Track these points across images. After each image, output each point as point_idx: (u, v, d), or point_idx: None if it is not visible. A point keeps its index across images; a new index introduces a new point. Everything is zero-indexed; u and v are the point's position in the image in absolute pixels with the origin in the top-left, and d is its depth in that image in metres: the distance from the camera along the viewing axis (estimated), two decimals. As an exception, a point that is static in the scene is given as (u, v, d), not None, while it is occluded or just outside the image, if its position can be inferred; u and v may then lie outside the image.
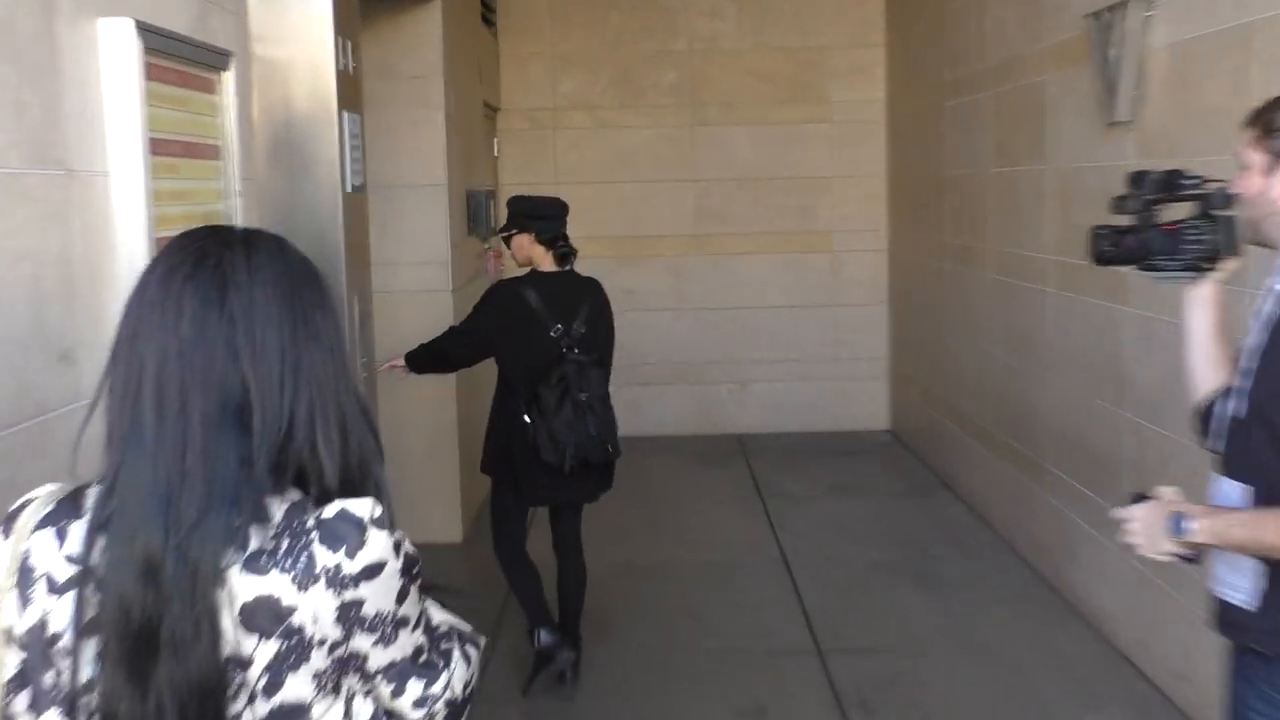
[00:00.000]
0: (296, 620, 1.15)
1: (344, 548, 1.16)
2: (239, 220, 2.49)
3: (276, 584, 1.15)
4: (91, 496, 1.19)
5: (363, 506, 1.17)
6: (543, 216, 3.69)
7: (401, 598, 1.20)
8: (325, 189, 3.46)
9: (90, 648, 1.15)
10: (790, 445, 6.97)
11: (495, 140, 6.88)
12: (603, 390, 3.60)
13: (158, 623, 1.13)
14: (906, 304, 6.79)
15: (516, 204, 3.76)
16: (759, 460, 6.68)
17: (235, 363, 1.16)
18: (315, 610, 1.15)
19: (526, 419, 3.55)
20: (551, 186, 7.01)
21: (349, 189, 3.52)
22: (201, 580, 1.13)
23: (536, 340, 3.59)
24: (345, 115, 3.43)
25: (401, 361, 3.75)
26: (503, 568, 3.78)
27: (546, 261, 3.68)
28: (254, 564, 1.14)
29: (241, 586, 1.14)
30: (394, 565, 1.18)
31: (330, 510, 1.17)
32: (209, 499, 1.14)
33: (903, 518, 5.58)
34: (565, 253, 3.70)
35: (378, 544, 1.17)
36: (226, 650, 1.13)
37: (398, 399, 4.95)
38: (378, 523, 1.18)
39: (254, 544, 1.15)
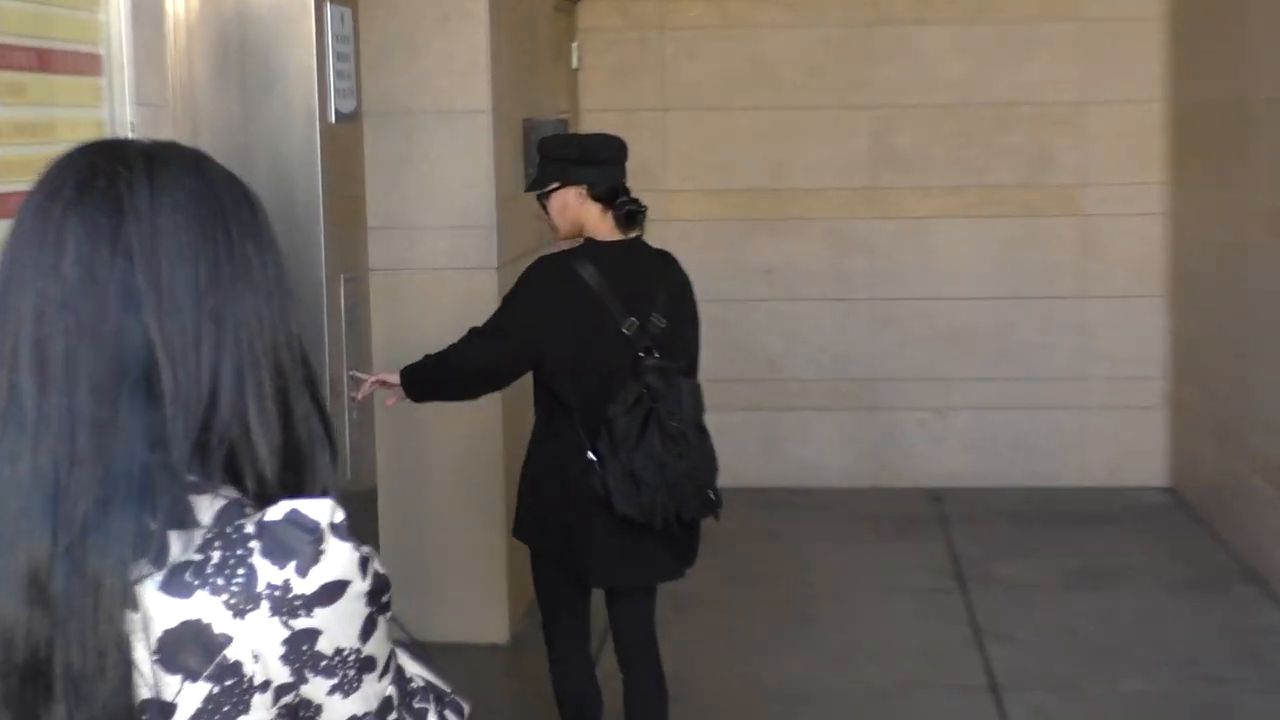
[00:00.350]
0: (232, 655, 1.20)
1: (294, 562, 1.21)
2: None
3: (205, 607, 1.20)
4: None
5: (320, 508, 1.23)
6: (595, 161, 3.71)
7: (367, 632, 1.26)
8: (295, 116, 3.51)
9: None
10: (1010, 506, 6.98)
11: (574, 46, 6.94)
12: (699, 412, 3.67)
13: (48, 655, 1.18)
14: (1196, 297, 6.83)
15: (554, 146, 3.79)
16: (962, 529, 6.70)
17: (135, 312, 1.22)
18: (256, 643, 1.21)
19: (591, 456, 3.58)
20: (655, 115, 7.12)
21: (332, 117, 3.63)
22: (105, 597, 1.18)
23: (601, 340, 3.62)
24: (329, 7, 3.55)
25: (393, 379, 3.75)
26: (555, 690, 3.83)
27: (604, 226, 3.69)
28: (175, 581, 1.20)
29: (159, 610, 1.19)
30: (359, 587, 1.24)
31: (276, 512, 1.23)
32: (108, 491, 1.20)
33: (1183, 625, 5.53)
34: (633, 212, 3.69)
35: (339, 558, 1.23)
36: (143, 692, 1.19)
37: (415, 430, 4.98)
38: (338, 530, 1.24)
39: (175, 554, 1.20)
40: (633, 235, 3.72)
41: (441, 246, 5.02)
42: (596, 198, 3.67)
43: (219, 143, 3.35)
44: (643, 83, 7.13)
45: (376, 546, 1.48)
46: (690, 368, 3.75)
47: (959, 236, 7.14)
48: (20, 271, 1.24)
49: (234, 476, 1.26)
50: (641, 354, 3.60)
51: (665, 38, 7.12)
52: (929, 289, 7.17)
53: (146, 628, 1.20)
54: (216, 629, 1.20)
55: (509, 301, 3.70)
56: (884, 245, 7.19)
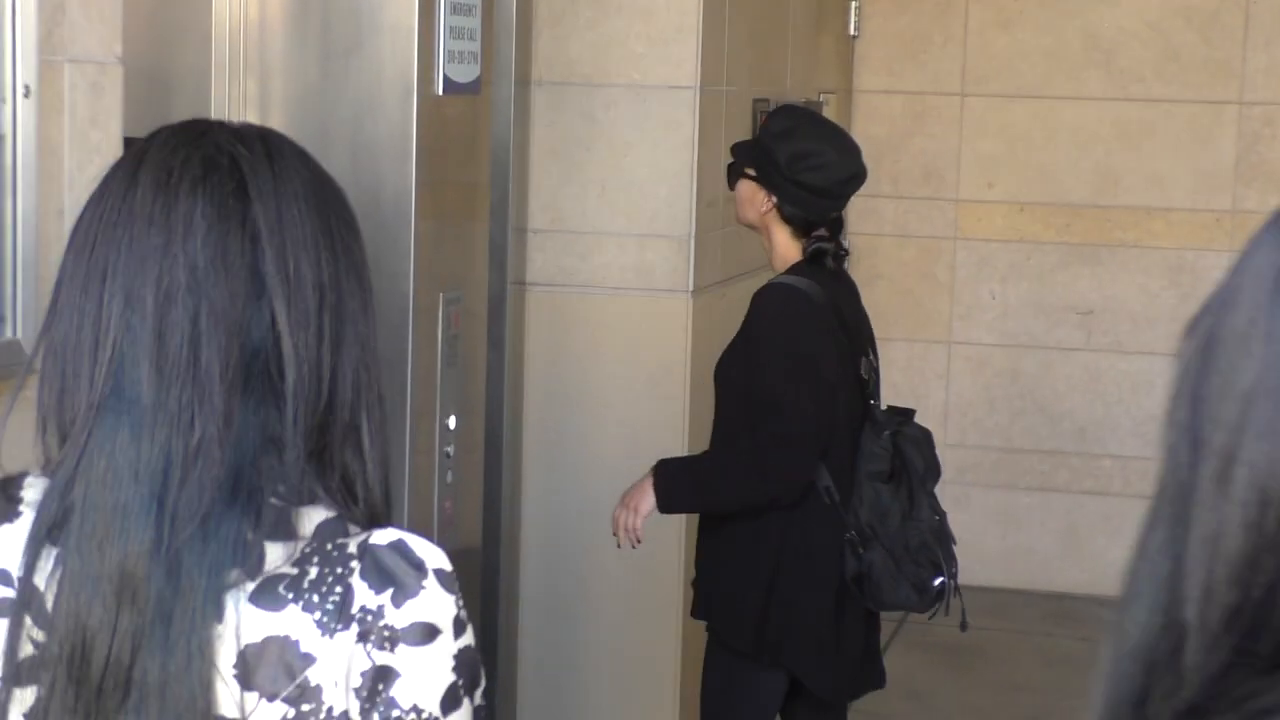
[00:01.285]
0: (314, 677, 1.30)
1: (392, 590, 1.32)
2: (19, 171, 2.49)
3: (295, 623, 1.30)
4: (29, 492, 1.38)
5: (429, 549, 1.35)
6: (808, 154, 3.73)
7: (449, 705, 1.34)
8: (387, 85, 3.44)
9: (26, 699, 1.33)
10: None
11: (853, 6, 6.64)
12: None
13: (129, 664, 1.29)
14: None
15: (771, 134, 3.80)
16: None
17: (264, 300, 1.33)
18: (342, 667, 1.30)
19: (852, 537, 3.64)
20: (950, 102, 6.73)
21: (439, 87, 3.50)
22: (196, 604, 1.29)
23: (845, 389, 3.69)
24: None
25: (648, 501, 3.75)
26: None
27: (791, 252, 3.74)
28: (267, 593, 1.31)
29: (246, 622, 1.30)
30: (450, 643, 1.33)
31: (383, 537, 1.34)
32: (221, 492, 1.30)
33: None
34: (820, 252, 3.73)
35: (438, 602, 1.33)
36: (219, 708, 1.29)
37: (563, 485, 4.81)
38: (443, 577, 1.34)
39: (270, 565, 1.31)
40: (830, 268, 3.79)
41: (624, 260, 4.71)
42: (786, 219, 3.72)
43: (290, 116, 3.34)
44: (939, 58, 6.74)
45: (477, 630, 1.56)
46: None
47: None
48: (131, 255, 1.33)
49: (334, 490, 1.36)
50: (872, 401, 3.71)
51: (972, 1, 6.69)
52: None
53: (230, 639, 1.29)
54: (303, 647, 1.29)
55: (778, 377, 3.60)
56: None
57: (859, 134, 6.48)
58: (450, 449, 3.61)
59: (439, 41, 3.43)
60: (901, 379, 6.35)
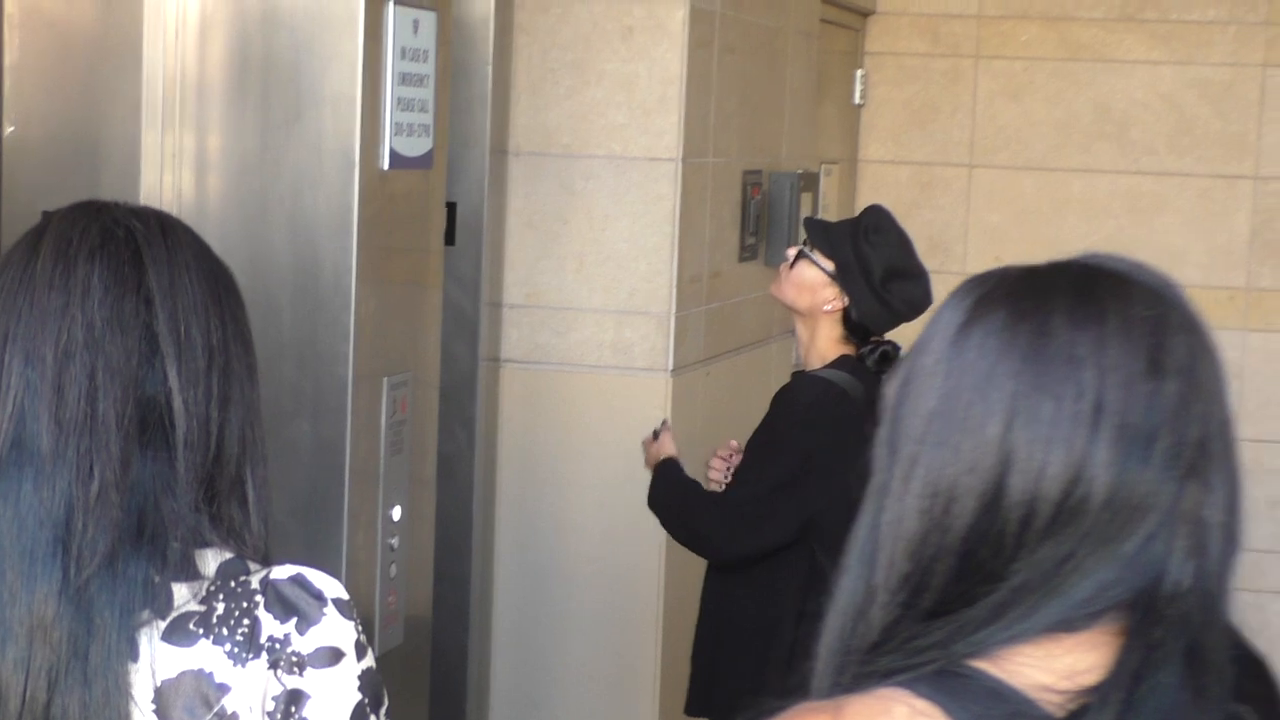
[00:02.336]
0: (230, 705, 1.42)
1: (295, 619, 1.46)
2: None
3: (207, 657, 1.43)
4: None
5: (326, 580, 1.49)
6: (904, 274, 3.74)
7: None
8: (327, 158, 3.40)
9: None
10: None
11: (857, 74, 6.67)
12: None
13: (45, 700, 1.38)
14: None
15: (880, 227, 3.80)
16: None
17: (156, 358, 1.47)
18: (256, 693, 1.43)
19: None
20: (958, 173, 6.69)
21: (383, 162, 3.44)
22: (109, 645, 1.39)
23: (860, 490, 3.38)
24: (390, 9, 3.38)
25: (669, 443, 3.91)
26: None
27: (832, 348, 3.73)
28: (178, 630, 1.43)
29: (160, 659, 1.42)
30: (354, 664, 1.48)
31: (283, 572, 1.48)
32: (123, 535, 1.42)
33: None
34: (887, 355, 3.73)
35: (338, 628, 1.48)
36: None
37: (538, 574, 4.72)
38: (340, 605, 1.49)
39: (178, 604, 1.44)
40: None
41: (602, 337, 4.70)
42: (848, 322, 3.71)
43: (230, 186, 3.33)
44: (947, 128, 6.70)
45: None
46: None
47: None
48: (38, 314, 1.44)
49: (224, 535, 1.49)
50: None
51: (983, 70, 6.68)
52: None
53: (146, 675, 1.41)
54: (217, 678, 1.41)
55: (780, 474, 3.62)
56: (1261, 368, 6.56)
57: (863, 204, 6.44)
58: (395, 541, 3.52)
59: (385, 114, 3.37)
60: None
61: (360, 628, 1.49)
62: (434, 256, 3.80)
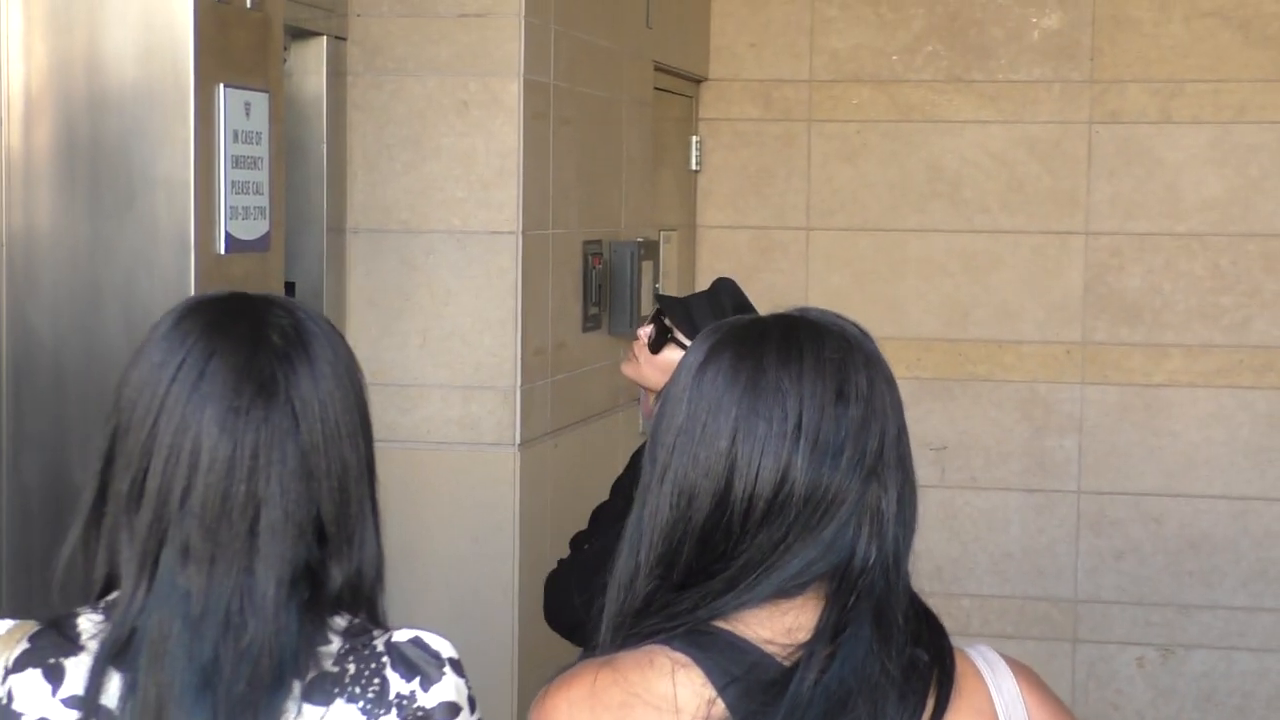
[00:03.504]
0: None
1: (419, 678, 1.69)
2: None
3: (344, 714, 1.65)
4: (88, 626, 1.70)
5: (440, 642, 1.73)
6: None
7: None
8: (161, 245, 3.39)
9: None
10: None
11: (694, 140, 6.75)
12: None
13: None
14: None
15: (727, 304, 3.78)
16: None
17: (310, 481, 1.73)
18: None
19: None
20: (796, 236, 6.76)
21: (220, 246, 3.45)
22: (262, 702, 1.63)
23: None
24: (221, 91, 3.41)
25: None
26: None
27: None
28: (317, 690, 1.65)
29: (302, 717, 1.64)
30: (470, 717, 1.72)
31: (403, 635, 1.72)
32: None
33: None
34: None
35: (456, 685, 1.72)
36: None
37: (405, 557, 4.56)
38: (455, 664, 1.73)
39: (315, 668, 1.66)
40: None
41: (449, 413, 4.69)
42: None
43: (63, 273, 3.28)
44: (783, 192, 6.70)
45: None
46: None
47: (1204, 412, 6.54)
48: (206, 428, 1.71)
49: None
50: None
51: (816, 133, 6.70)
52: (1159, 482, 6.57)
53: None
54: None
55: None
56: (1100, 420, 6.59)
57: (704, 270, 6.47)
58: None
59: (219, 197, 3.36)
60: (754, 520, 6.31)
61: (470, 685, 1.72)
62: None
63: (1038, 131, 6.55)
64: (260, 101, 3.46)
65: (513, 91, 4.47)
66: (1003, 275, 6.60)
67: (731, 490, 1.65)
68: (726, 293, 3.78)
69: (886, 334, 6.39)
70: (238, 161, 3.38)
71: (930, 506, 6.31)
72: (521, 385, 4.59)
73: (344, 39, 4.41)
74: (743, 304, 3.75)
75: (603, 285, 5.20)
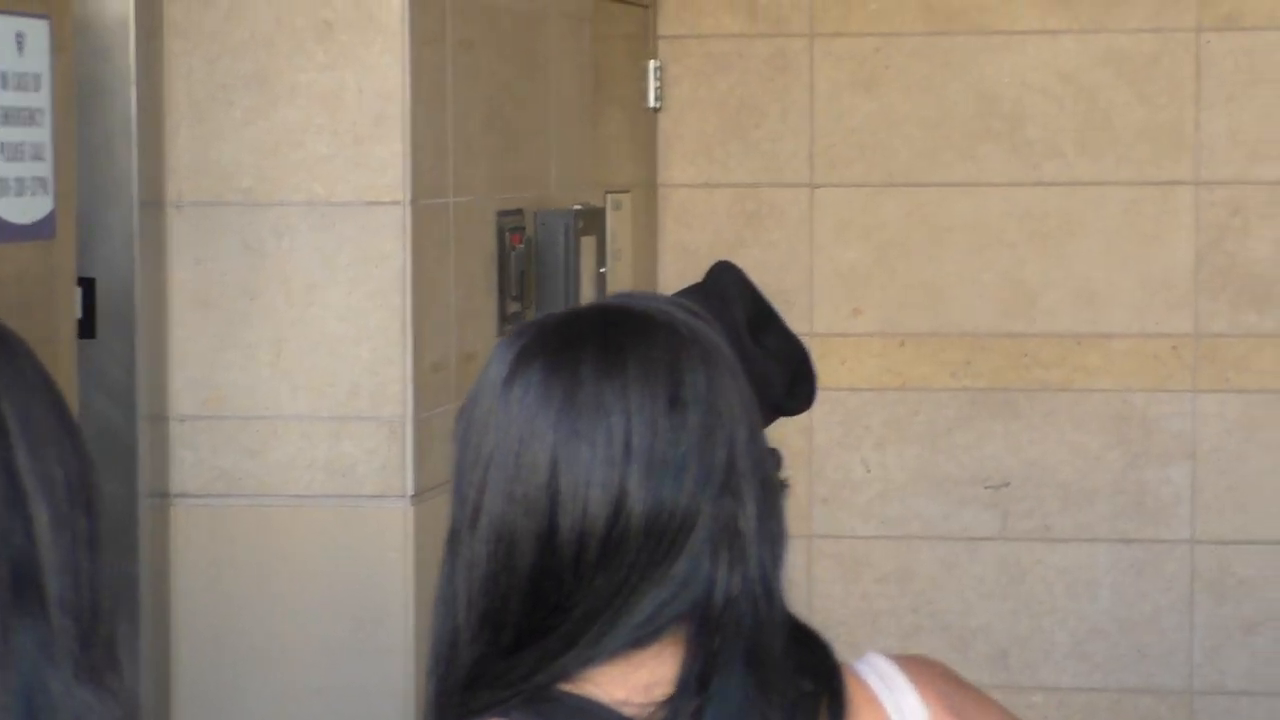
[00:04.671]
0: None
1: None
2: None
3: None
4: None
5: None
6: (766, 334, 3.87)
7: None
8: None
9: None
10: None
11: (651, 66, 6.79)
12: None
13: None
14: None
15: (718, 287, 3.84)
16: None
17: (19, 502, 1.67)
18: None
19: None
20: (795, 195, 6.80)
21: None
22: None
23: None
24: None
25: None
26: None
27: None
28: None
29: None
30: None
31: None
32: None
33: None
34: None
35: None
36: None
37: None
38: None
39: None
40: None
41: (313, 455, 4.77)
42: None
43: None
44: (777, 134, 6.77)
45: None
46: None
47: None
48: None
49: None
50: None
51: (820, 52, 6.73)
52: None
53: None
54: None
55: None
56: (1220, 443, 6.69)
57: (670, 243, 6.57)
58: None
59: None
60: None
61: None
62: (64, 355, 3.89)
63: (1127, 44, 6.55)
64: (38, 31, 3.57)
65: (394, 6, 4.57)
66: (1083, 245, 6.62)
67: (558, 530, 1.82)
68: (734, 286, 3.83)
69: (922, 329, 6.63)
70: (6, 116, 3.47)
71: (988, 568, 6.57)
72: (415, 415, 4.65)
73: (157, -62, 4.48)
74: (762, 307, 3.82)
75: (526, 272, 5.26)
